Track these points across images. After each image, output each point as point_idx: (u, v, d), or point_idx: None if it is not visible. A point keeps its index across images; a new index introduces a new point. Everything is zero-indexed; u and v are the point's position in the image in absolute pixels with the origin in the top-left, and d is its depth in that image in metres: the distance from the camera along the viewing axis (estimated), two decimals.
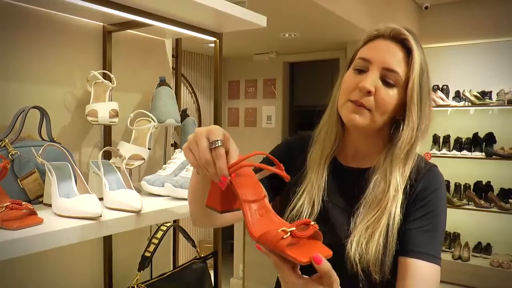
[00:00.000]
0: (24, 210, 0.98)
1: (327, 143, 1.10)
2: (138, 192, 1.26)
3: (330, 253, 0.73)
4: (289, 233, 0.71)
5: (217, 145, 0.79)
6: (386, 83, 0.99)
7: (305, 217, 1.03)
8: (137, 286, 1.40)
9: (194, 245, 1.68)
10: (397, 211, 0.99)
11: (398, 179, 1.00)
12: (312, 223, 0.74)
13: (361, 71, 1.02)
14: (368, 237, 0.96)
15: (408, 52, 1.00)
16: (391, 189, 0.99)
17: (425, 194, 1.01)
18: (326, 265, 0.72)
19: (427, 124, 1.03)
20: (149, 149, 1.51)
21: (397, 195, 0.99)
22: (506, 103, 4.38)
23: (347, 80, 1.04)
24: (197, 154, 0.81)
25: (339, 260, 0.93)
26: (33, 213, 1.00)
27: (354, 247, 0.96)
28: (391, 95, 0.99)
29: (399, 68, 0.99)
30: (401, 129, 1.01)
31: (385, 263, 0.96)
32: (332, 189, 1.08)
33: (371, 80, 0.99)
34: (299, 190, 1.09)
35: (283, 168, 0.85)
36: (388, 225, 0.97)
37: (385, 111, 1.00)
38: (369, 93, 0.98)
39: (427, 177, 1.03)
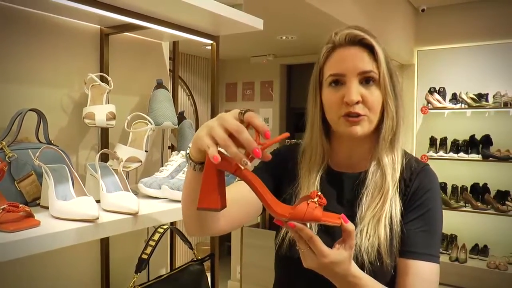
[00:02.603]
0: (21, 213, 0.98)
1: (314, 163, 1.10)
2: (135, 194, 1.26)
3: (339, 216, 0.83)
4: (317, 204, 0.80)
5: (245, 111, 0.77)
6: (368, 84, 1.01)
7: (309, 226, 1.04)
8: None
9: (191, 247, 1.68)
10: (396, 198, 1.02)
11: (388, 162, 1.03)
12: (319, 193, 0.82)
13: (337, 83, 1.02)
14: (374, 225, 0.98)
15: (370, 49, 1.02)
16: (387, 175, 1.02)
17: (420, 194, 1.03)
18: (351, 224, 0.84)
19: (403, 106, 1.06)
20: (146, 151, 1.51)
21: (393, 180, 1.02)
22: (502, 106, 4.40)
23: (328, 99, 1.04)
24: (222, 130, 0.76)
25: None
26: (30, 215, 1.00)
27: (364, 237, 0.98)
28: (375, 94, 1.01)
29: (371, 66, 1.01)
30: (383, 121, 1.04)
31: (394, 246, 0.99)
32: (328, 196, 1.08)
33: (354, 90, 0.99)
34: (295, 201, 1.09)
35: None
36: (391, 210, 1.00)
37: (377, 111, 1.02)
38: (357, 103, 1.00)
39: (421, 176, 1.06)
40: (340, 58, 1.03)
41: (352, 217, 1.02)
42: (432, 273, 0.99)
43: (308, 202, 0.81)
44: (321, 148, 1.10)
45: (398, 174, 1.03)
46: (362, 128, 1.01)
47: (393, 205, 1.01)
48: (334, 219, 0.82)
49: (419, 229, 1.01)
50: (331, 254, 0.83)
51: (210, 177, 0.81)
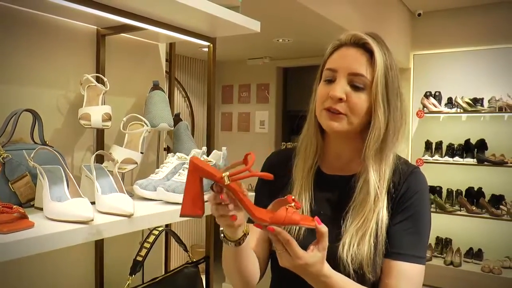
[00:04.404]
0: (15, 214, 0.97)
1: (309, 154, 1.12)
2: (130, 196, 1.25)
3: (313, 218, 0.90)
4: (295, 208, 0.87)
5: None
6: (355, 88, 1.02)
7: (296, 228, 1.05)
8: None
9: (186, 250, 1.68)
10: (383, 211, 1.02)
11: (375, 178, 1.03)
12: (293, 197, 0.89)
13: (330, 81, 1.05)
14: (359, 239, 0.99)
15: (371, 54, 1.03)
16: (371, 189, 1.02)
17: (408, 196, 1.04)
18: (324, 227, 0.89)
19: (398, 121, 1.05)
20: (141, 153, 1.50)
21: (379, 195, 1.02)
22: (497, 110, 4.42)
23: (319, 92, 1.07)
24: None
25: (331, 262, 0.96)
26: (24, 216, 0.99)
27: (346, 249, 0.99)
28: (362, 98, 1.02)
29: (364, 71, 1.02)
30: (369, 129, 1.04)
31: (377, 262, 1.00)
32: (319, 198, 1.10)
33: (340, 87, 1.02)
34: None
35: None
36: (377, 225, 1.00)
37: (360, 114, 1.03)
38: (340, 100, 1.01)
39: (410, 179, 1.06)
40: (339, 56, 1.06)
41: (338, 225, 1.04)
42: (416, 275, 1.00)
43: (287, 207, 0.86)
44: (315, 140, 1.12)
45: (385, 189, 1.03)
46: (340, 125, 1.03)
47: (380, 222, 1.01)
48: (310, 222, 0.89)
49: (405, 231, 1.02)
50: (305, 256, 0.88)
51: (194, 185, 0.85)
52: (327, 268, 0.92)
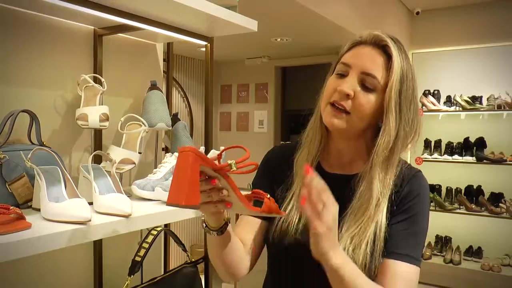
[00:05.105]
0: (12, 215, 0.97)
1: (312, 146, 1.11)
2: (128, 196, 1.25)
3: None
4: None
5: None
6: (365, 88, 1.01)
7: (294, 223, 1.05)
8: None
9: (184, 250, 1.67)
10: (383, 220, 1.01)
11: (379, 187, 1.01)
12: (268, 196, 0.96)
13: (341, 75, 1.04)
14: (354, 245, 0.98)
15: (389, 58, 1.01)
16: (373, 198, 1.01)
17: (409, 199, 1.03)
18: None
19: (408, 131, 1.04)
20: (139, 153, 1.50)
21: (380, 203, 1.01)
22: (495, 108, 4.42)
23: (329, 84, 1.06)
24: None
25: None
26: (21, 217, 0.99)
27: None
28: (369, 100, 1.01)
29: (378, 73, 1.00)
30: (379, 135, 1.02)
31: (372, 269, 0.98)
32: None
33: (350, 84, 1.00)
34: (287, 195, 1.10)
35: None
36: (375, 234, 0.99)
37: (363, 115, 1.01)
38: (347, 96, 1.00)
39: (412, 182, 1.05)
40: (356, 53, 1.04)
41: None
42: (411, 274, 0.99)
43: (269, 197, 0.94)
44: (320, 133, 1.11)
45: (386, 196, 1.02)
46: (340, 122, 1.01)
47: (378, 230, 1.00)
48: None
49: (403, 231, 1.01)
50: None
51: (193, 174, 0.81)
52: (341, 249, 0.92)
